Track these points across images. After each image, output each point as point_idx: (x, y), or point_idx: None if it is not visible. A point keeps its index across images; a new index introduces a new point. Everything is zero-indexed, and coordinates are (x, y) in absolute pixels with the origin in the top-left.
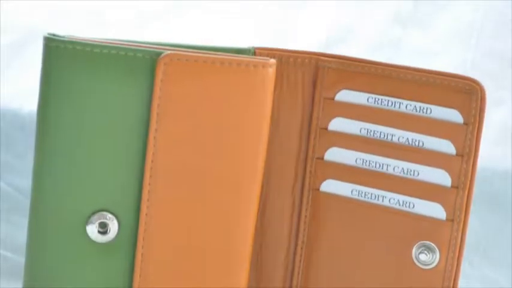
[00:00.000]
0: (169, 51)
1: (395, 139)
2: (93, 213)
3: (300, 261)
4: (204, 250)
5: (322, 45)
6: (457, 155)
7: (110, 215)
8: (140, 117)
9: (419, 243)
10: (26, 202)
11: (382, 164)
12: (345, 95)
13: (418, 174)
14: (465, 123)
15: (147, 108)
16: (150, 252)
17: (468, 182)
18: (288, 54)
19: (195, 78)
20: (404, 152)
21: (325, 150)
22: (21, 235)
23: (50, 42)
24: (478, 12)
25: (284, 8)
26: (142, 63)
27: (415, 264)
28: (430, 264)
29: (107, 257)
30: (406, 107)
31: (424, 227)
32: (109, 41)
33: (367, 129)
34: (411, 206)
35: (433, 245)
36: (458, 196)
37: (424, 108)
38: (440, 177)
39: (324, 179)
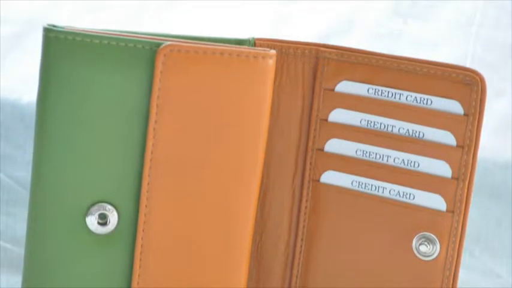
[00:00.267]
0: (169, 42)
1: (395, 130)
2: (93, 204)
3: (300, 252)
4: (204, 241)
5: (323, 36)
6: (457, 146)
7: (109, 207)
8: (140, 109)
9: (419, 234)
10: (25, 194)
11: (383, 155)
12: (345, 86)
13: (419, 165)
14: (466, 115)
15: (147, 100)
16: (149, 244)
17: (468, 173)
18: (288, 45)
19: (195, 69)
20: (404, 143)
21: (325, 142)
22: (20, 227)
23: (49, 33)
24: (478, 3)
25: None
26: (142, 54)
27: (415, 255)
28: (431, 255)
29: (107, 249)
30: (406, 98)
31: (424, 218)
32: (109, 32)
33: (368, 121)
34: (411, 197)
35: (433, 236)
36: (458, 187)
37: (424, 99)
38: (441, 168)
39: (324, 170)
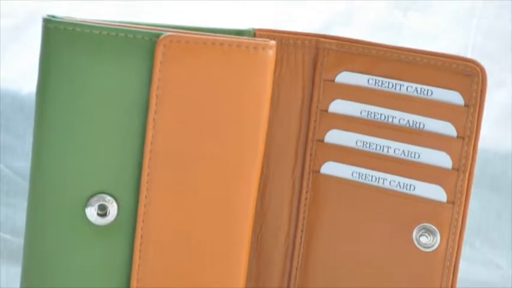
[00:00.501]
0: (168, 33)
1: (396, 121)
2: (92, 195)
3: (300, 243)
4: (204, 232)
5: (323, 28)
6: (458, 137)
7: (109, 198)
8: (140, 99)
9: (420, 225)
10: (25, 184)
11: (383, 146)
12: (345, 77)
13: (419, 156)
14: (466, 105)
15: (147, 90)
16: (149, 235)
17: (469, 164)
18: (288, 35)
19: (195, 60)
20: (405, 134)
21: (326, 132)
22: (20, 218)
23: (49, 24)
24: None
25: None
26: (141, 45)
27: (415, 246)
28: (431, 246)
29: (106, 240)
30: (406, 88)
31: (424, 209)
32: (108, 23)
33: (368, 111)
34: (412, 188)
35: (433, 227)
36: (459, 178)
37: (425, 90)
38: (441, 159)
39: (324, 161)
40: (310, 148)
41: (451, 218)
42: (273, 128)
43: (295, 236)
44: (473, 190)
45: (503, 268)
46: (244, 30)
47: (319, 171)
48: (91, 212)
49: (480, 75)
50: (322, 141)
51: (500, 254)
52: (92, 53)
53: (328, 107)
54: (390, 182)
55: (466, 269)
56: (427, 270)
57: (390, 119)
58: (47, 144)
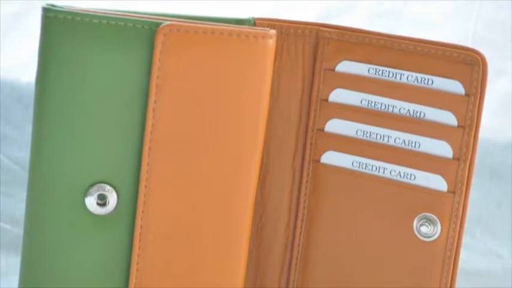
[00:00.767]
0: (168, 22)
1: (396, 110)
2: (92, 185)
3: (300, 233)
4: (204, 222)
5: (323, 16)
6: (458, 126)
7: (108, 187)
8: (139, 89)
9: (420, 215)
10: (24, 174)
11: (383, 136)
12: (345, 66)
13: (419, 145)
14: (467, 94)
15: (147, 80)
16: (149, 225)
17: (470, 154)
18: (288, 25)
19: (195, 49)
20: (405, 123)
21: (326, 122)
22: (20, 208)
23: (48, 13)
24: None
25: None
26: (141, 34)
27: (416, 236)
28: (432, 236)
29: (106, 230)
30: (407, 78)
31: (425, 199)
32: (108, 12)
33: (368, 101)
34: (412, 177)
35: (434, 217)
36: (459, 168)
37: (425, 79)
38: (442, 148)
39: (325, 151)
40: (310, 137)
41: (451, 207)
42: (273, 117)
43: (295, 226)
44: (474, 180)
45: (504, 257)
46: (244, 19)
47: (319, 161)
48: (90, 202)
49: (481, 64)
50: (323, 130)
51: (501, 244)
52: (92, 42)
53: (328, 96)
54: (390, 172)
55: (466, 259)
56: (428, 260)
57: (390, 108)
58: (46, 133)
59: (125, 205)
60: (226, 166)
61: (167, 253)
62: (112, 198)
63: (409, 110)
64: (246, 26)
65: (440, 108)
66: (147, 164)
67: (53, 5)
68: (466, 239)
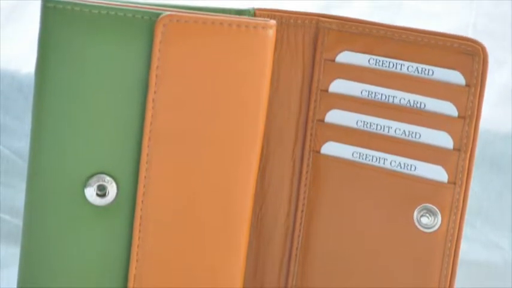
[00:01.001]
0: (168, 12)
1: (396, 101)
2: (92, 176)
3: (300, 223)
4: (204, 212)
5: (323, 7)
6: (459, 117)
7: (108, 178)
8: (139, 79)
9: (420, 206)
10: (24, 165)
11: (383, 126)
12: (345, 57)
13: (420, 136)
14: (467, 85)
15: (146, 70)
16: (149, 215)
17: (470, 145)
18: (288, 15)
19: (195, 39)
20: (405, 114)
21: (326, 112)
22: (19, 198)
23: (47, 3)
24: None
25: None
26: (141, 25)
27: (416, 227)
28: (432, 227)
29: (106, 220)
30: (407, 68)
31: (425, 189)
32: (107, 2)
33: (368, 91)
34: (413, 168)
35: (434, 208)
36: (460, 158)
37: (425, 69)
38: (442, 139)
39: (325, 141)
40: (311, 128)
41: (452, 198)
42: (273, 107)
43: (295, 217)
44: (474, 171)
45: (504, 249)
46: (244, 9)
47: (319, 151)
48: (90, 193)
49: (481, 54)
50: (323, 121)
51: (501, 235)
52: (91, 33)
53: (328, 86)
54: (391, 162)
55: (466, 250)
56: (428, 251)
57: (391, 99)
58: (45, 124)
59: (124, 196)
60: (226, 156)
61: (167, 244)
62: (112, 189)
63: (409, 100)
64: (246, 17)
65: (441, 98)
66: (147, 155)
67: None
68: (466, 230)
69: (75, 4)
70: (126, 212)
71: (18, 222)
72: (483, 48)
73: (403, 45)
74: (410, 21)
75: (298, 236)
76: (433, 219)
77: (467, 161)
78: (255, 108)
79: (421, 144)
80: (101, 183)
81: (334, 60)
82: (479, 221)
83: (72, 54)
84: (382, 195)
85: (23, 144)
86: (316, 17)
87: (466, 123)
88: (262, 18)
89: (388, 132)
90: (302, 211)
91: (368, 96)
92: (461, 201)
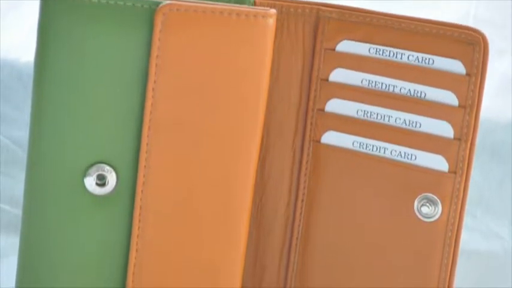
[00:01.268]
0: (168, 1)
1: (397, 90)
2: (91, 165)
3: (301, 213)
4: (204, 203)
5: None
6: (459, 106)
7: (108, 167)
8: (139, 68)
9: (421, 195)
10: (24, 154)
11: (384, 116)
12: (346, 46)
13: (420, 125)
14: (468, 74)
15: (146, 59)
16: (149, 205)
17: (471, 134)
18: (288, 4)
19: (195, 28)
20: (406, 103)
21: (326, 102)
22: (19, 188)
23: None
24: None
25: None
26: (141, 14)
27: (417, 217)
28: (432, 217)
29: (105, 210)
30: (408, 57)
31: (426, 179)
32: None
33: (369, 80)
34: (413, 157)
35: (435, 197)
36: (460, 148)
37: (426, 58)
38: (443, 128)
39: (325, 131)
40: (311, 117)
41: (452, 187)
42: (273, 97)
43: (295, 207)
44: (475, 160)
45: (505, 238)
46: None
47: (319, 141)
48: (90, 182)
49: (482, 43)
50: (323, 110)
51: (502, 224)
52: (91, 21)
53: (328, 76)
54: (391, 152)
55: (467, 239)
56: (428, 241)
57: (391, 88)
58: (45, 113)
59: (124, 185)
60: (226, 146)
61: (167, 233)
62: (111, 179)
63: (409, 89)
64: (246, 6)
65: (441, 88)
66: (147, 144)
67: None
68: (466, 220)
69: None
70: (126, 202)
71: (18, 212)
72: (484, 38)
73: (404, 34)
74: (411, 11)
75: (298, 226)
76: (433, 208)
77: (467, 151)
78: (254, 98)
79: (422, 134)
80: (100, 172)
81: (334, 49)
82: (479, 210)
83: (72, 43)
84: (382, 185)
85: (23, 133)
86: (317, 6)
87: (466, 113)
88: (262, 7)
89: (389, 121)
90: (302, 201)
91: (368, 85)
92: (462, 190)
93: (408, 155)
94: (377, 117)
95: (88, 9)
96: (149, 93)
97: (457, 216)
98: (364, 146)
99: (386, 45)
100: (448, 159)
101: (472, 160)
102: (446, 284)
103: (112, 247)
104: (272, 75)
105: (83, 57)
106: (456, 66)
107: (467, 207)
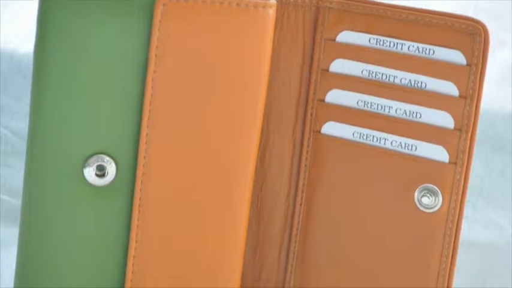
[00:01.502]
0: None
1: (397, 81)
2: (91, 156)
3: (301, 204)
4: (203, 193)
5: None
6: (460, 96)
7: (107, 158)
8: (139, 59)
9: (421, 186)
10: (23, 145)
11: (384, 106)
12: (346, 36)
13: (421, 116)
14: (468, 65)
15: (146, 50)
16: (148, 196)
17: (471, 124)
18: None
19: (194, 19)
20: (406, 93)
21: (326, 92)
22: (18, 178)
23: None
24: None
25: None
26: (140, 4)
27: (417, 207)
28: (433, 207)
29: (105, 201)
30: (408, 48)
31: (426, 169)
32: None
33: (369, 71)
34: (413, 148)
35: (435, 188)
36: (461, 138)
37: (426, 49)
38: (443, 119)
39: (325, 121)
40: (311, 108)
41: (453, 178)
42: (274, 87)
43: (295, 197)
44: (475, 150)
45: (505, 229)
46: None
47: (319, 131)
48: (89, 173)
49: (482, 34)
50: (323, 101)
51: (503, 215)
52: (90, 13)
53: (329, 66)
54: (392, 142)
55: (467, 230)
56: (429, 232)
57: (391, 79)
58: (44, 104)
59: (124, 176)
60: (226, 136)
61: (166, 224)
62: (111, 169)
63: (410, 80)
64: None
65: (442, 78)
66: (146, 135)
67: None
68: (467, 210)
69: None
70: (126, 192)
71: (17, 202)
72: (484, 28)
73: (404, 25)
74: (411, 1)
75: (298, 216)
76: (434, 199)
77: (468, 141)
78: (254, 88)
79: (422, 124)
80: (100, 163)
81: (334, 40)
82: (480, 201)
83: (71, 34)
84: (382, 176)
85: (22, 124)
86: None
87: (467, 103)
88: None
89: (389, 112)
90: (302, 191)
91: (368, 76)
92: (462, 181)
93: (409, 145)
94: (377, 108)
95: (87, 0)
96: (149, 84)
97: (458, 207)
98: (365, 137)
99: (387, 36)
100: (448, 150)
101: (472, 151)
102: (447, 274)
103: (112, 238)
104: (272, 65)
105: (82, 47)
106: (457, 57)
107: (467, 197)
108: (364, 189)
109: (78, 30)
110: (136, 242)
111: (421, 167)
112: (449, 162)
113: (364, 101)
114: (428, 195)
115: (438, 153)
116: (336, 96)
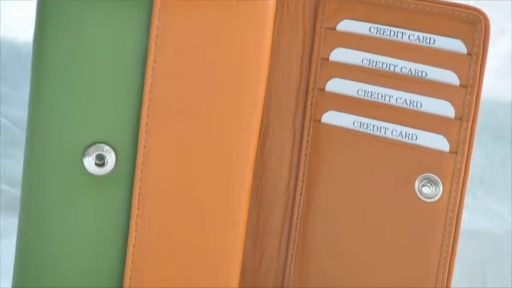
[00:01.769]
0: None
1: (397, 70)
2: (90, 145)
3: (301, 193)
4: (203, 182)
5: None
6: (460, 86)
7: (107, 147)
8: (139, 48)
9: (422, 175)
10: (22, 134)
11: (385, 95)
12: (346, 25)
13: (421, 105)
14: (469, 54)
15: (146, 39)
16: (148, 185)
17: (472, 114)
18: None
19: (194, 8)
20: (407, 82)
21: (327, 81)
22: (18, 168)
23: None
24: None
25: None
26: None
27: (418, 197)
28: (433, 197)
29: (104, 190)
30: (408, 37)
31: (427, 159)
32: None
33: (369, 60)
34: (414, 137)
35: (436, 177)
36: (462, 128)
37: (427, 38)
38: (444, 108)
39: (325, 111)
40: (311, 97)
41: (453, 167)
42: (274, 77)
43: (295, 186)
44: (476, 140)
45: (506, 218)
46: None
47: (319, 121)
48: (89, 162)
49: (483, 23)
50: (323, 90)
51: (503, 204)
52: (90, 1)
53: (329, 55)
54: (392, 132)
55: (468, 219)
56: (430, 221)
57: (392, 68)
58: (44, 93)
59: (123, 165)
60: (226, 126)
61: (166, 214)
62: (110, 159)
63: (410, 69)
64: None
65: (442, 67)
66: (146, 124)
67: None
68: (468, 200)
69: None
70: (125, 182)
71: (17, 192)
72: (485, 17)
73: (404, 14)
74: None
75: (298, 206)
76: (434, 188)
77: (468, 130)
78: (254, 78)
79: (423, 114)
80: (99, 152)
81: (334, 29)
82: (480, 190)
83: (71, 23)
84: (383, 165)
85: (22, 113)
86: None
87: (467, 92)
88: None
89: (389, 101)
90: (302, 181)
91: (369, 65)
92: (463, 170)
93: (409, 135)
94: (378, 97)
95: None
96: (148, 73)
97: (458, 196)
98: (365, 126)
99: (387, 25)
100: (449, 139)
101: (473, 140)
102: (447, 263)
103: (111, 227)
104: (272, 55)
105: (82, 36)
106: (457, 46)
107: (468, 187)
108: (364, 178)
109: (77, 19)
110: (136, 231)
111: (422, 156)
112: (450, 152)
113: (365, 90)
114: (428, 184)
115: (439, 142)
116: (336, 86)
